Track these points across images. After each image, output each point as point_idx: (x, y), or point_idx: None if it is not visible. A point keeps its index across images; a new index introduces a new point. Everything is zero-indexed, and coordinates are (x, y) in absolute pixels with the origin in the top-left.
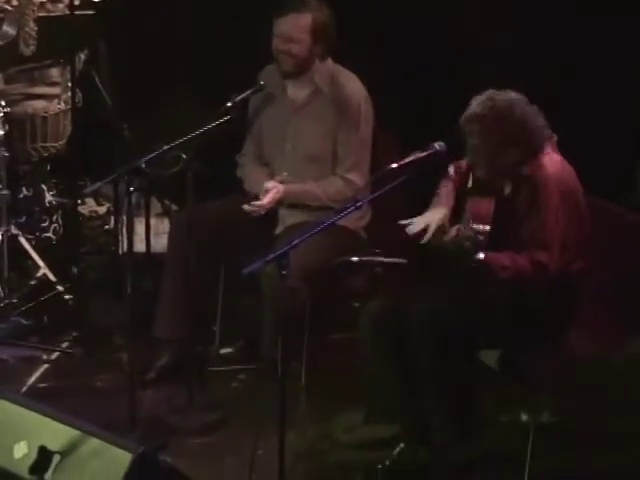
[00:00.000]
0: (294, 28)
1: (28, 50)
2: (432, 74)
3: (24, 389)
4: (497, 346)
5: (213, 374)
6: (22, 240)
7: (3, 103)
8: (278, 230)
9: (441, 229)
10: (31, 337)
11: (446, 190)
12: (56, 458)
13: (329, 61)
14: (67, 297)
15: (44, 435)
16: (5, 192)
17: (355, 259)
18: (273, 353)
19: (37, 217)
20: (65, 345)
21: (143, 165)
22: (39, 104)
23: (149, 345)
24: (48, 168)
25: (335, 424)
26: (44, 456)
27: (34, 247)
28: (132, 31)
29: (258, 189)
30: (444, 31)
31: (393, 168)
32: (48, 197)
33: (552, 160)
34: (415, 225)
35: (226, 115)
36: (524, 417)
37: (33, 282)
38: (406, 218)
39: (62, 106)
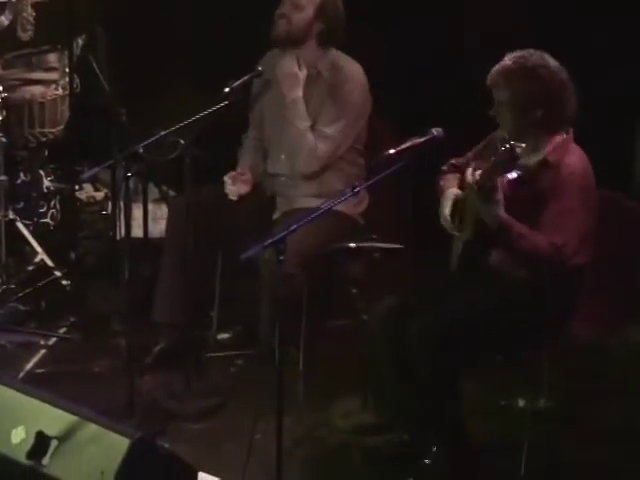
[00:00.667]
0: None
1: (26, 35)
2: (431, 64)
3: (22, 374)
4: (498, 348)
5: (211, 359)
6: (20, 226)
7: (0, 88)
8: (276, 215)
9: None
10: (29, 323)
11: (446, 178)
12: (54, 443)
13: (333, 50)
14: (65, 282)
15: (42, 420)
16: (3, 178)
17: (352, 245)
18: (270, 338)
19: (35, 203)
20: (63, 331)
21: (141, 150)
22: (37, 89)
23: (147, 330)
24: (46, 154)
25: (332, 410)
26: (42, 441)
27: (32, 233)
28: (130, 16)
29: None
30: (444, 22)
31: (391, 154)
32: (46, 182)
33: (576, 151)
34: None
35: (224, 100)
36: (521, 403)
37: (31, 268)
38: (404, 204)
39: (60, 91)
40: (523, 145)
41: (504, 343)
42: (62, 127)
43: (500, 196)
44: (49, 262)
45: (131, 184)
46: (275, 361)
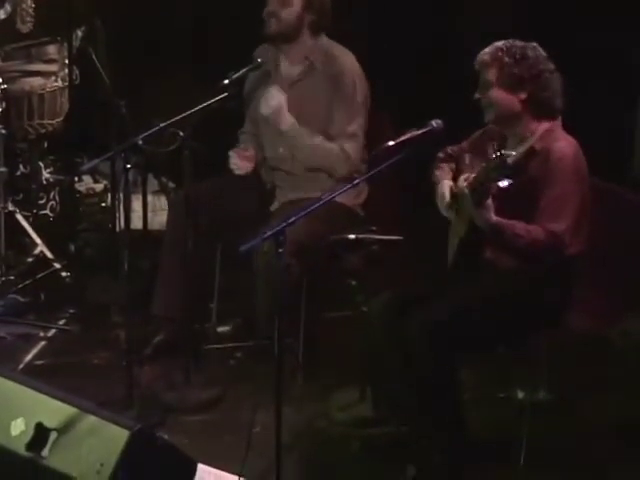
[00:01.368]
0: None
1: (25, 27)
2: (431, 55)
3: (21, 366)
4: (498, 337)
5: (210, 352)
6: (19, 217)
7: (0, 80)
8: (274, 207)
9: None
10: (28, 314)
11: (441, 168)
12: (53, 435)
13: (323, 37)
14: (64, 274)
15: (41, 412)
16: (2, 169)
17: (352, 236)
18: (268, 330)
19: (34, 194)
20: (62, 322)
21: (140, 142)
22: (36, 81)
23: (146, 322)
24: (45, 145)
25: (331, 402)
26: (41, 433)
27: (31, 224)
28: (129, 7)
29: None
30: (443, 11)
31: (390, 146)
32: (45, 174)
33: (565, 137)
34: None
35: (223, 93)
36: (521, 394)
37: (30, 259)
38: (403, 196)
39: (59, 83)
40: (513, 153)
41: (504, 332)
42: (61, 119)
43: (490, 201)
44: (48, 254)
45: (130, 176)
46: (274, 353)
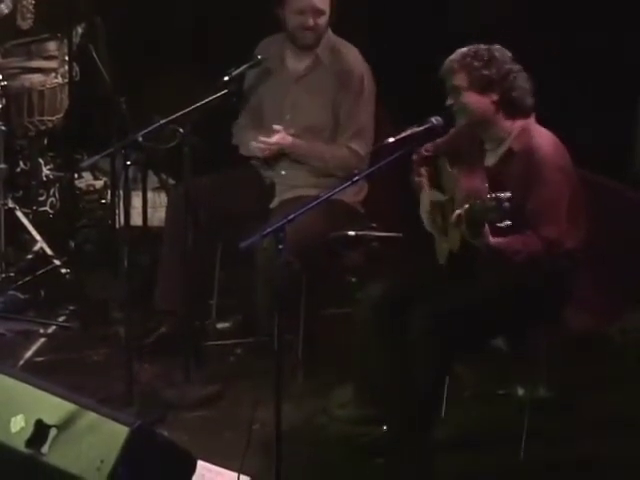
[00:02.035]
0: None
1: (25, 24)
2: (431, 51)
3: (21, 363)
4: (498, 334)
5: (210, 348)
6: (19, 214)
7: (0, 77)
8: (274, 204)
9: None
10: (28, 311)
11: (420, 174)
12: (53, 432)
13: (330, 33)
14: (64, 271)
15: (41, 409)
16: (2, 166)
17: (352, 233)
18: (268, 327)
19: (34, 191)
20: (62, 319)
21: (140, 139)
22: (36, 78)
23: (146, 319)
24: (45, 142)
25: (331, 399)
26: (41, 430)
27: (31, 221)
28: (130, 4)
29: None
30: (443, 8)
31: (390, 142)
32: (45, 171)
33: (542, 133)
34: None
35: (224, 89)
36: (520, 392)
37: (30, 256)
38: (403, 193)
39: (59, 80)
40: (509, 194)
41: (503, 329)
42: (61, 115)
43: (487, 229)
44: (48, 250)
45: (130, 172)
46: (274, 350)
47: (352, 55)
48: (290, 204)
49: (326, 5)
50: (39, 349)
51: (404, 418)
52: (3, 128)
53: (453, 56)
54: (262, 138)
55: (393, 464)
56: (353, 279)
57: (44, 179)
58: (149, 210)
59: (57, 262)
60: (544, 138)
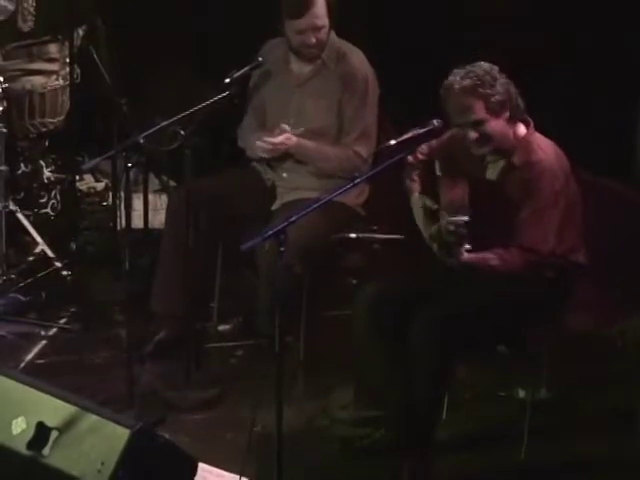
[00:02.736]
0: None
1: (26, 26)
2: (432, 53)
3: (22, 365)
4: (500, 336)
5: (211, 350)
6: (20, 216)
7: (1, 79)
8: (275, 206)
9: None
10: (29, 313)
11: (412, 178)
12: (54, 434)
13: (333, 35)
14: (65, 273)
15: (42, 411)
16: (3, 168)
17: (353, 235)
18: (269, 329)
19: (35, 193)
20: (63, 321)
21: (141, 141)
22: (37, 80)
23: (147, 321)
24: (46, 144)
25: (332, 400)
26: (42, 432)
27: (32, 223)
28: (130, 6)
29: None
30: (444, 10)
31: (391, 145)
32: (46, 173)
33: (542, 145)
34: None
35: (225, 91)
36: (521, 393)
37: (31, 258)
38: (404, 195)
39: (60, 82)
40: (466, 218)
41: (504, 332)
42: (63, 117)
43: (459, 248)
44: (49, 253)
45: (131, 174)
46: (275, 352)
47: (356, 58)
48: (291, 206)
49: (325, 19)
50: (40, 351)
51: (404, 421)
52: (4, 130)
53: (459, 90)
54: (267, 138)
55: (393, 465)
56: (354, 281)
57: (45, 181)
58: (150, 212)
59: (58, 264)
60: (544, 150)
